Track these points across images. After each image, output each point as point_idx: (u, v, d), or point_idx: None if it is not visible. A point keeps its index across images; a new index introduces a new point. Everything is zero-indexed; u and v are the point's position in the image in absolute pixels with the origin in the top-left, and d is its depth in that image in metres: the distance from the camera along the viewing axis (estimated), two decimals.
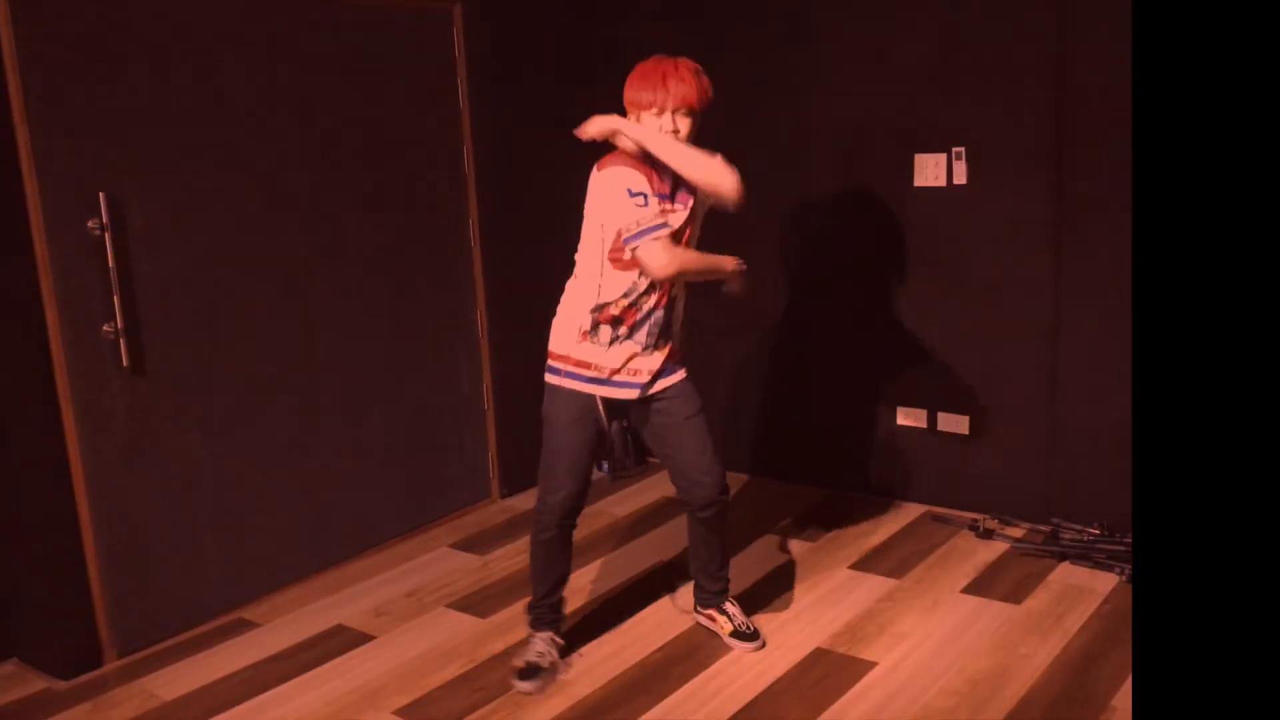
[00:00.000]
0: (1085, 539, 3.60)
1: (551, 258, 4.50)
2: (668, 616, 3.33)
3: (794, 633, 3.19)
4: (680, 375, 2.94)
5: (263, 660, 3.20)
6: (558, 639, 3.07)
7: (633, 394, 2.87)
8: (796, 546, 3.82)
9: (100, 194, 3.01)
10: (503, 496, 4.44)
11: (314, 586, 3.67)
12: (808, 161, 4.14)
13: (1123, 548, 3.50)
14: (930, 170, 3.84)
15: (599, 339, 2.82)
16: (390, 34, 3.79)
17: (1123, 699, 2.73)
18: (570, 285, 2.90)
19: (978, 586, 3.42)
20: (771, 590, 3.48)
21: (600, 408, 2.86)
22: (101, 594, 3.17)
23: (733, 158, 4.40)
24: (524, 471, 4.43)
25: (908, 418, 4.11)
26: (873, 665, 2.98)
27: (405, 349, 3.97)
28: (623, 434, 4.61)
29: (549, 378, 2.90)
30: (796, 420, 4.41)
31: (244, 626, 3.41)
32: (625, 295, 2.79)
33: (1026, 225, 3.70)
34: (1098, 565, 3.48)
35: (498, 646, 3.19)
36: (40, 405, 3.00)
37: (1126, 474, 3.62)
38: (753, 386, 4.52)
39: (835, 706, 2.78)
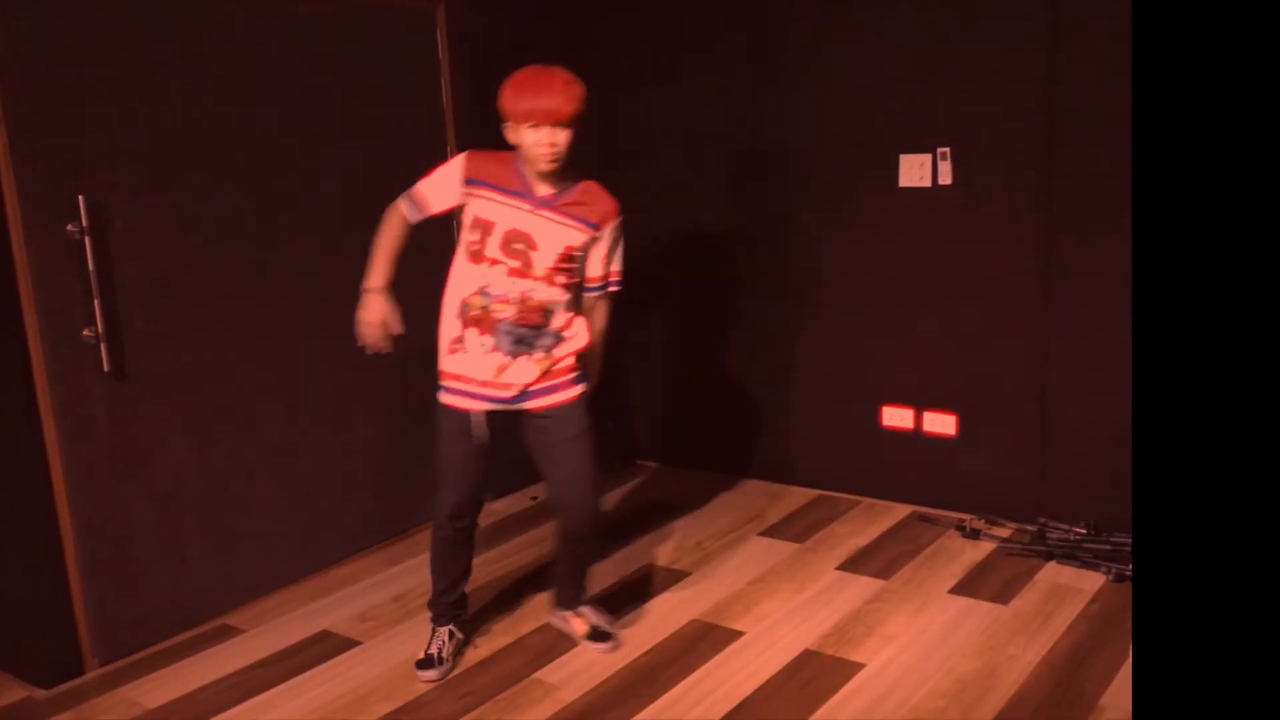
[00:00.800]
0: (1072, 538, 3.60)
1: None
2: (654, 620, 3.31)
3: (782, 634, 3.18)
4: (568, 397, 2.91)
5: (247, 667, 3.17)
6: (457, 633, 3.16)
7: (493, 407, 2.87)
8: (784, 548, 3.81)
9: (79, 197, 2.98)
10: (489, 500, 4.41)
11: (300, 592, 3.65)
12: (794, 162, 4.13)
13: (1109, 547, 3.50)
14: (915, 171, 3.83)
15: (467, 348, 2.84)
16: (373, 33, 3.76)
17: (1112, 697, 2.73)
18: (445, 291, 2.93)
19: (965, 587, 3.42)
20: (759, 592, 3.47)
21: (474, 424, 2.87)
22: (83, 601, 3.13)
23: (718, 161, 4.41)
24: (510, 475, 4.41)
25: (895, 418, 4.11)
26: (862, 666, 2.97)
27: (392, 353, 3.93)
28: (609, 437, 4.62)
29: (439, 394, 2.94)
30: (785, 421, 4.41)
31: (229, 633, 3.38)
32: (477, 291, 2.80)
33: (1013, 225, 3.70)
34: (1085, 565, 3.48)
35: (483, 651, 3.17)
36: (20, 411, 2.97)
37: (1113, 473, 3.63)
38: (741, 387, 4.51)
39: (824, 708, 2.77)
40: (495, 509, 4.36)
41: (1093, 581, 3.39)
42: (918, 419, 4.05)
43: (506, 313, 2.80)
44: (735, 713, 2.78)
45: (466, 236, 2.82)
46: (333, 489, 3.80)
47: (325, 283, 3.68)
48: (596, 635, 3.17)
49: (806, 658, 3.04)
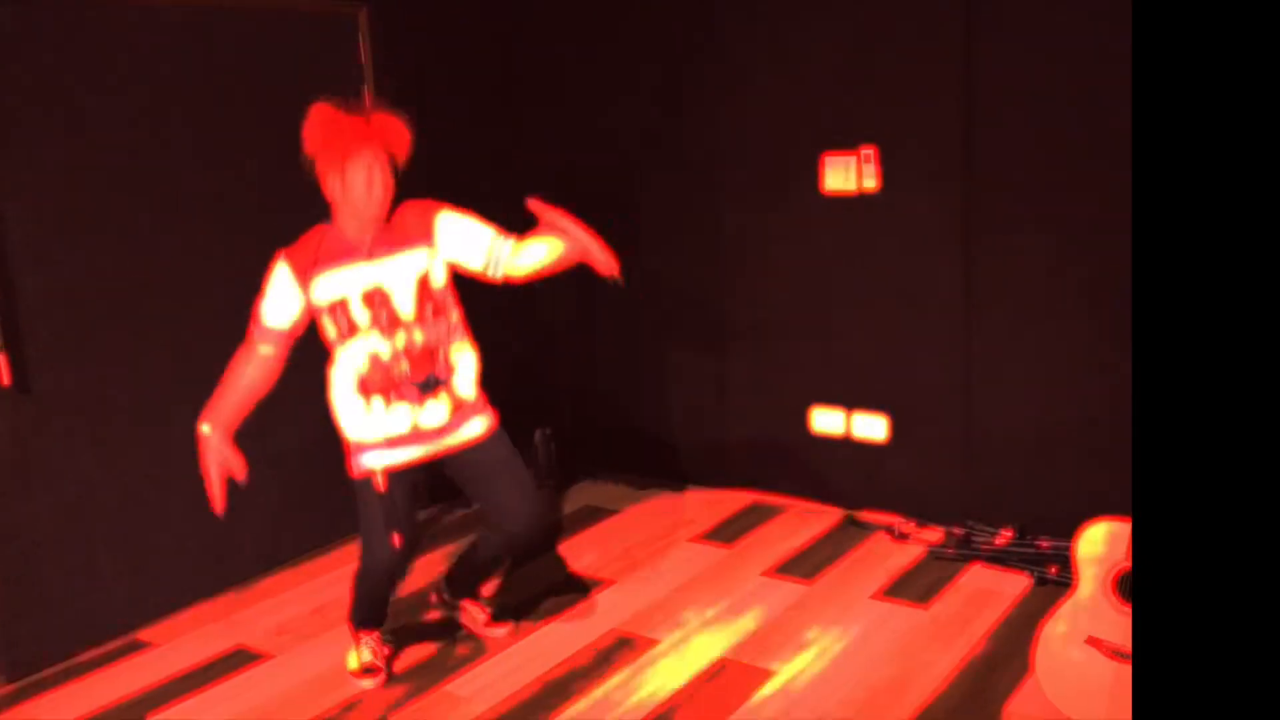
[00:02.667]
0: (997, 542, 3.58)
1: None
2: (569, 631, 3.28)
3: (700, 643, 3.14)
4: (484, 431, 2.92)
5: (158, 683, 3.12)
6: (383, 638, 3.15)
7: (415, 457, 2.87)
8: (713, 553, 3.78)
9: None
10: (427, 505, 4.36)
11: (217, 607, 3.59)
12: (717, 168, 4.10)
13: (1033, 550, 3.49)
14: (841, 172, 3.81)
15: (370, 413, 2.82)
16: (292, 38, 3.71)
17: (1018, 704, 2.71)
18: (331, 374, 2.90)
19: (889, 592, 3.40)
20: (684, 599, 3.44)
21: (380, 476, 2.84)
22: None
23: (643, 166, 4.38)
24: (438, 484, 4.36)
25: (826, 423, 4.08)
26: (773, 675, 2.94)
27: (311, 362, 3.88)
28: (546, 443, 4.58)
29: (351, 467, 2.90)
30: (717, 426, 4.38)
31: (141, 648, 3.33)
32: (362, 363, 2.79)
33: (937, 227, 3.68)
34: (1009, 568, 3.46)
35: (399, 666, 3.13)
36: None
37: (1039, 476, 3.62)
38: (671, 393, 4.48)
39: (731, 719, 2.74)
40: (425, 515, 4.31)
41: (1016, 585, 3.37)
42: (849, 423, 4.03)
43: (402, 367, 2.77)
44: None
45: (329, 327, 2.79)
46: (250, 502, 3.71)
47: (237, 292, 3.60)
48: (497, 619, 3.25)
49: (720, 666, 3.01)
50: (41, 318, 3.12)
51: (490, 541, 3.16)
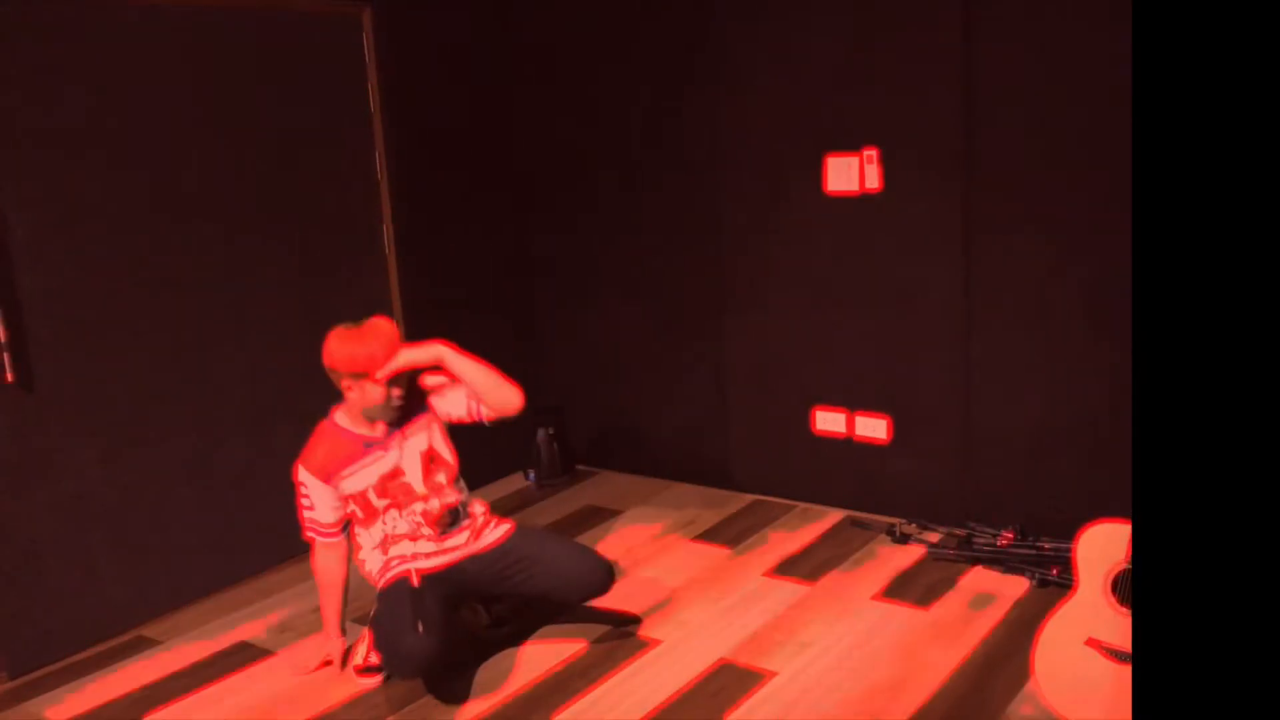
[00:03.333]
0: (998, 543, 3.58)
1: (470, 263, 4.47)
2: (568, 631, 3.28)
3: (700, 643, 3.15)
4: (504, 533, 3.13)
5: (160, 680, 3.13)
6: None
7: (448, 560, 3.05)
8: (715, 553, 3.79)
9: None
10: None
11: (219, 602, 3.61)
12: (719, 169, 4.10)
13: (1034, 552, 3.48)
14: (843, 173, 3.81)
15: (401, 546, 3.05)
16: (297, 37, 3.72)
17: (1017, 706, 2.71)
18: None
19: (890, 593, 3.40)
20: (685, 599, 3.44)
21: (413, 574, 3.00)
22: None
23: (646, 166, 4.39)
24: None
25: (827, 423, 4.08)
26: (773, 675, 2.94)
27: (311, 360, 3.89)
28: (549, 443, 4.59)
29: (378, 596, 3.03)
30: (721, 426, 4.38)
31: (143, 645, 3.34)
32: (386, 536, 3.03)
33: (938, 228, 3.68)
34: (1010, 570, 3.46)
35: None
36: None
37: (1039, 477, 3.61)
38: (673, 394, 4.48)
39: (730, 718, 2.75)
40: None
41: (1016, 587, 3.37)
42: (850, 423, 4.03)
43: (425, 533, 3.04)
44: None
45: (352, 511, 3.04)
46: (252, 498, 3.76)
47: (239, 289, 3.65)
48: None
49: (721, 667, 3.01)
50: (44, 315, 3.13)
51: (540, 596, 3.20)
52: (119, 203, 3.29)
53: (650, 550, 3.85)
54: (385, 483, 2.99)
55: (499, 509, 4.31)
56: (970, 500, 3.79)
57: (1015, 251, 3.53)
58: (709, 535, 3.95)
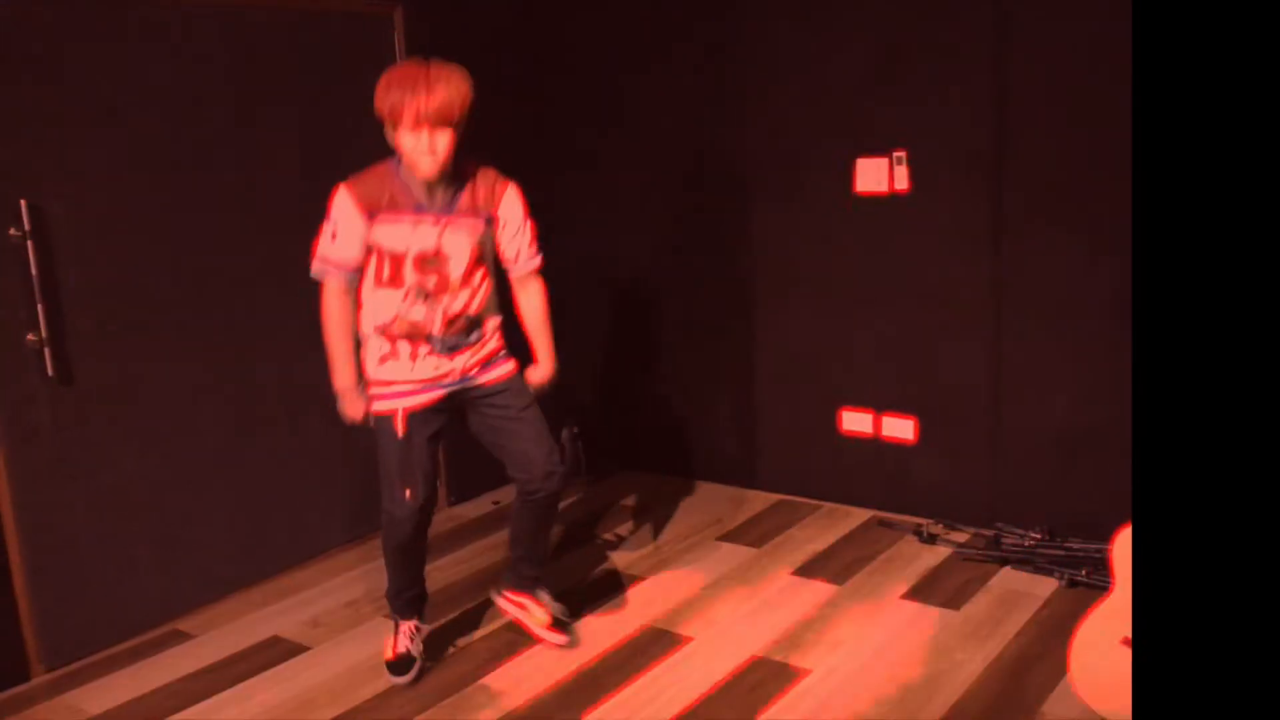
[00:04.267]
0: (1027, 544, 3.59)
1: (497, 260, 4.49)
2: (602, 626, 3.30)
3: (732, 640, 3.16)
4: (506, 372, 2.96)
5: (195, 673, 3.16)
6: (424, 626, 3.11)
7: (439, 394, 2.86)
8: (742, 552, 3.80)
9: (21, 201, 2.96)
10: (450, 504, 4.40)
11: (251, 597, 3.63)
12: (752, 165, 4.12)
13: (1063, 552, 3.49)
14: (872, 174, 3.82)
15: (399, 356, 2.82)
16: (329, 37, 3.75)
17: (1051, 705, 2.72)
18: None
19: (918, 593, 3.41)
20: (713, 597, 3.46)
21: (400, 418, 2.84)
22: (29, 607, 3.12)
23: (675, 167, 4.40)
24: (473, 478, 4.41)
25: (854, 423, 4.10)
26: (807, 673, 2.96)
27: None
28: (574, 442, 4.61)
29: (370, 404, 2.88)
30: (746, 425, 4.40)
31: (178, 638, 3.37)
32: (400, 317, 2.78)
33: (967, 228, 3.69)
34: (1039, 570, 3.47)
35: (430, 656, 3.16)
36: None
37: (1068, 478, 3.62)
38: (700, 393, 4.50)
39: (765, 715, 2.76)
40: (455, 513, 4.34)
41: (1046, 587, 3.38)
42: (877, 423, 4.04)
43: (435, 328, 2.80)
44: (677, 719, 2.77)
45: (374, 264, 2.77)
46: (285, 494, 3.78)
47: (275, 286, 3.67)
48: (558, 624, 3.16)
49: (753, 664, 3.03)
50: (83, 310, 3.16)
51: (518, 515, 3.13)
52: (158, 200, 3.32)
53: (676, 549, 3.86)
54: (426, 257, 2.74)
55: None
56: (998, 501, 3.80)
57: (1046, 251, 3.54)
58: (735, 535, 3.97)
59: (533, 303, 3.03)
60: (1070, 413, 3.59)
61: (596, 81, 4.48)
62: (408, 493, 2.86)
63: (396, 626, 3.08)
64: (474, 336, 2.89)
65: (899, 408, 3.98)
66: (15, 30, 2.95)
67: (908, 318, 3.88)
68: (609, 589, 3.55)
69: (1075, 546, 3.50)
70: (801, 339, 4.15)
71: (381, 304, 2.79)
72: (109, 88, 3.17)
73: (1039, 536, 3.60)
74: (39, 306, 3.02)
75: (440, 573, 3.73)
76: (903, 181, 3.77)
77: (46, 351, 3.05)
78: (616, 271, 4.62)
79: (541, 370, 3.08)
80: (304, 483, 3.84)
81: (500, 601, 3.27)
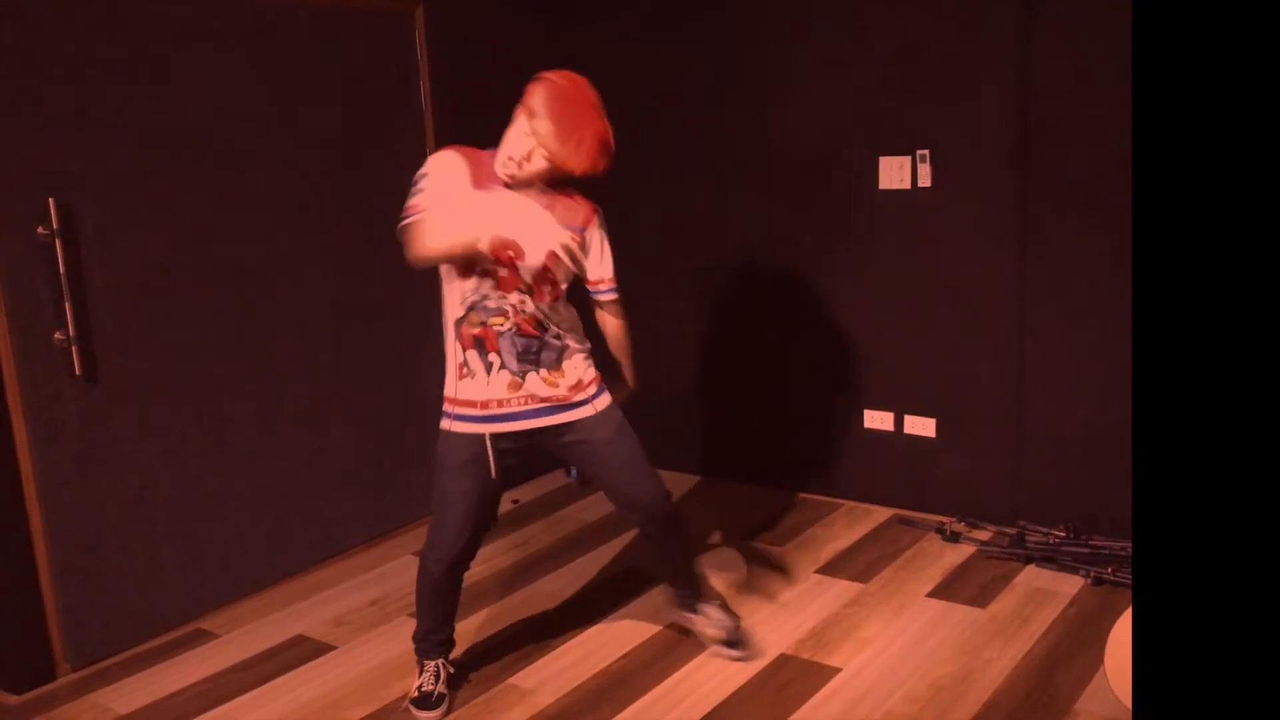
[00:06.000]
0: (1051, 541, 3.59)
1: None
2: (632, 624, 3.30)
3: (759, 638, 3.16)
4: (589, 410, 2.77)
5: (221, 671, 3.15)
6: (448, 666, 2.95)
7: (518, 425, 2.71)
8: (764, 551, 3.80)
9: (49, 199, 2.96)
10: None
11: (275, 596, 3.62)
12: (773, 166, 4.12)
13: (1088, 550, 3.49)
14: (895, 173, 3.82)
15: (473, 371, 2.68)
16: (351, 35, 3.74)
17: (1085, 702, 2.72)
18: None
19: (943, 590, 3.41)
20: (738, 595, 3.45)
21: (489, 450, 2.71)
22: (55, 606, 3.11)
23: (698, 167, 4.39)
24: None
25: (875, 421, 4.10)
26: (837, 671, 2.96)
27: (369, 355, 3.93)
28: None
29: (441, 422, 2.76)
30: (766, 424, 4.39)
31: (203, 637, 3.36)
32: (470, 308, 2.63)
33: (991, 227, 3.69)
34: (1063, 568, 3.47)
35: (458, 656, 3.15)
36: None
37: (1092, 476, 3.62)
38: (722, 391, 4.50)
39: (799, 713, 2.76)
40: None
41: (1071, 585, 3.38)
42: (898, 422, 4.04)
43: (504, 325, 2.64)
44: (708, 718, 2.76)
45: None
46: (309, 492, 3.78)
47: (299, 285, 3.67)
48: (729, 644, 3.05)
49: (782, 662, 3.03)
50: (110, 309, 3.15)
51: (644, 546, 3.04)
52: (184, 198, 3.31)
53: (698, 548, 3.86)
54: (503, 244, 2.57)
55: (538, 508, 4.34)
56: (1021, 499, 3.80)
57: (1069, 249, 3.54)
58: (757, 534, 3.97)
59: (613, 331, 2.94)
60: (1092, 411, 3.59)
61: (616, 81, 4.47)
62: (459, 537, 2.75)
63: (422, 666, 2.92)
64: (548, 355, 2.70)
65: (922, 405, 3.98)
66: (43, 29, 2.94)
67: (932, 316, 3.88)
68: (632, 588, 3.55)
69: (1099, 544, 3.51)
70: (824, 336, 4.15)
71: (456, 292, 2.65)
72: (135, 86, 3.16)
73: (1062, 534, 3.60)
74: (66, 305, 3.01)
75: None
76: (926, 180, 3.77)
77: (74, 350, 3.04)
78: (636, 271, 4.61)
79: (621, 389, 2.96)
80: (327, 481, 3.83)
81: (674, 618, 3.19)
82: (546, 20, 4.47)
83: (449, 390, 2.74)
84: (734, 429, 4.50)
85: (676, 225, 4.46)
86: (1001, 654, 3.00)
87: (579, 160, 2.55)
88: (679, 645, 3.15)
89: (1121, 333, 3.48)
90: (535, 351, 2.68)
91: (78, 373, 3.07)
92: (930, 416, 3.96)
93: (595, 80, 4.56)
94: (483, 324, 2.65)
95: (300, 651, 3.24)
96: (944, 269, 3.82)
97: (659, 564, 3.09)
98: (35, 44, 2.93)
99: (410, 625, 3.30)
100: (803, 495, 4.31)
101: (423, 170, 2.64)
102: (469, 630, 3.30)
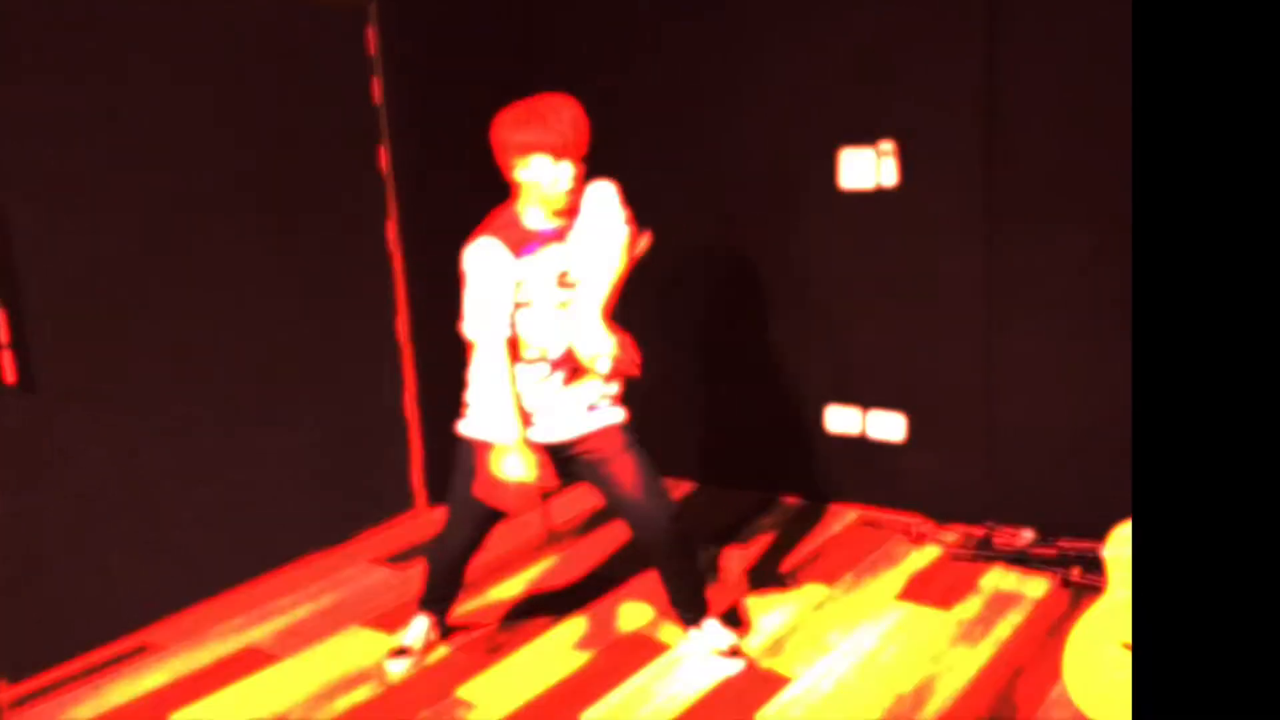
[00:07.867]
0: (1018, 543, 3.52)
1: None
2: (589, 631, 3.22)
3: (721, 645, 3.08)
4: (601, 425, 2.86)
5: (165, 685, 3.06)
6: (439, 626, 3.15)
7: (567, 435, 2.83)
8: (728, 554, 3.73)
9: None
10: (433, 504, 4.31)
11: (226, 606, 3.53)
12: (733, 163, 4.05)
13: (1055, 551, 3.43)
14: (858, 169, 3.75)
15: (515, 384, 2.75)
16: (300, 30, 3.65)
17: (1045, 711, 2.65)
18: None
19: (908, 593, 3.34)
20: None
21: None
22: None
23: (658, 164, 4.31)
24: None
25: (842, 421, 4.02)
26: (794, 679, 2.88)
27: (322, 357, 3.83)
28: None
29: (461, 427, 2.85)
30: (731, 426, 4.32)
31: (148, 649, 3.27)
32: (529, 338, 2.73)
33: (957, 224, 3.62)
34: (1030, 570, 3.40)
35: (410, 669, 3.07)
36: None
37: (1061, 476, 3.56)
38: (687, 393, 4.42)
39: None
40: (439, 516, 4.25)
41: (1037, 587, 3.31)
42: (866, 422, 3.97)
43: (558, 353, 2.76)
44: None
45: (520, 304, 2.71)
46: (261, 499, 3.69)
47: (248, 286, 3.58)
48: (723, 654, 2.98)
49: (741, 669, 2.95)
50: (46, 314, 3.05)
51: (655, 565, 3.01)
52: (120, 198, 3.21)
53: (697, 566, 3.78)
54: (562, 278, 2.69)
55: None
56: (989, 499, 3.73)
57: (1039, 245, 3.47)
58: (720, 536, 3.89)
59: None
60: (1062, 410, 3.52)
61: (577, 71, 4.39)
62: (472, 534, 2.95)
63: (417, 613, 3.13)
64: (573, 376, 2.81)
65: (889, 404, 3.90)
66: None
67: (898, 312, 3.81)
68: (591, 594, 3.47)
69: (1067, 546, 3.44)
70: (791, 336, 4.07)
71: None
72: (70, 81, 3.06)
73: (1030, 536, 3.53)
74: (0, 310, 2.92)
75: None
76: (892, 173, 3.70)
77: (7, 357, 2.95)
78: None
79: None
80: (277, 488, 3.74)
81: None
82: (504, 13, 4.38)
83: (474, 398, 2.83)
84: (701, 431, 4.42)
85: (637, 220, 4.37)
86: (964, 660, 2.92)
87: (575, 132, 2.61)
88: (634, 654, 3.07)
89: (1091, 330, 3.41)
90: (569, 369, 2.80)
91: (11, 381, 2.97)
92: (899, 417, 3.89)
93: (552, 75, 4.49)
94: (541, 350, 2.75)
95: (247, 663, 3.16)
96: (911, 264, 3.74)
97: (664, 580, 3.01)
98: None
99: (362, 636, 3.23)
100: (769, 497, 4.23)
101: (471, 266, 2.65)
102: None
